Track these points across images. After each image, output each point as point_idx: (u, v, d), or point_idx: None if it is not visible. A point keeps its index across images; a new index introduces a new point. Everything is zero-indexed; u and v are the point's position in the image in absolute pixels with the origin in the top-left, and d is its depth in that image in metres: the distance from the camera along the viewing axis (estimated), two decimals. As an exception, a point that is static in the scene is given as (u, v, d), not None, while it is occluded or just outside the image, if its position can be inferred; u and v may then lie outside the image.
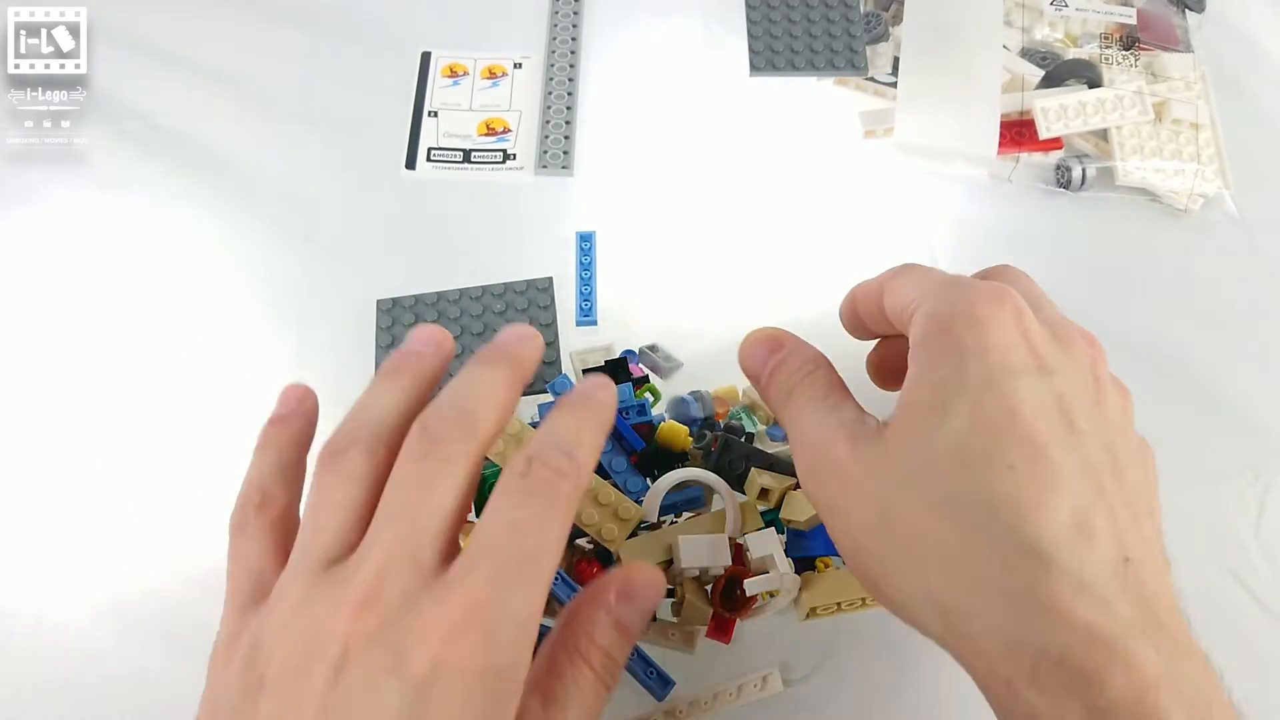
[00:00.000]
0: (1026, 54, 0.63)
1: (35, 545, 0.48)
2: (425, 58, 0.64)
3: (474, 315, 0.54)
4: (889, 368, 0.39)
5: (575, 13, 0.66)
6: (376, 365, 0.51)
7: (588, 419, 0.30)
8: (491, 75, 0.64)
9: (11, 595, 0.47)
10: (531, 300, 0.54)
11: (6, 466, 0.50)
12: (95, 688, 0.44)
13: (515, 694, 0.27)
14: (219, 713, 0.28)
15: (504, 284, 0.55)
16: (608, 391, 0.31)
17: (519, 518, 0.27)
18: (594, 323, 0.55)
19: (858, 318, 0.38)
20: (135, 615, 0.46)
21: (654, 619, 0.42)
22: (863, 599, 0.43)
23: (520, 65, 0.64)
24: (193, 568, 0.46)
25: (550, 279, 0.55)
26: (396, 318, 0.54)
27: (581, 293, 0.56)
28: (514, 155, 0.61)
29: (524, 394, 0.31)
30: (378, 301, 0.54)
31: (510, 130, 0.61)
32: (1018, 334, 0.30)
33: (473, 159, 0.61)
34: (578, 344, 0.53)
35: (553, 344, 0.53)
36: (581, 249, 0.57)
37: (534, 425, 0.46)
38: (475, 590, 0.26)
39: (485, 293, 0.55)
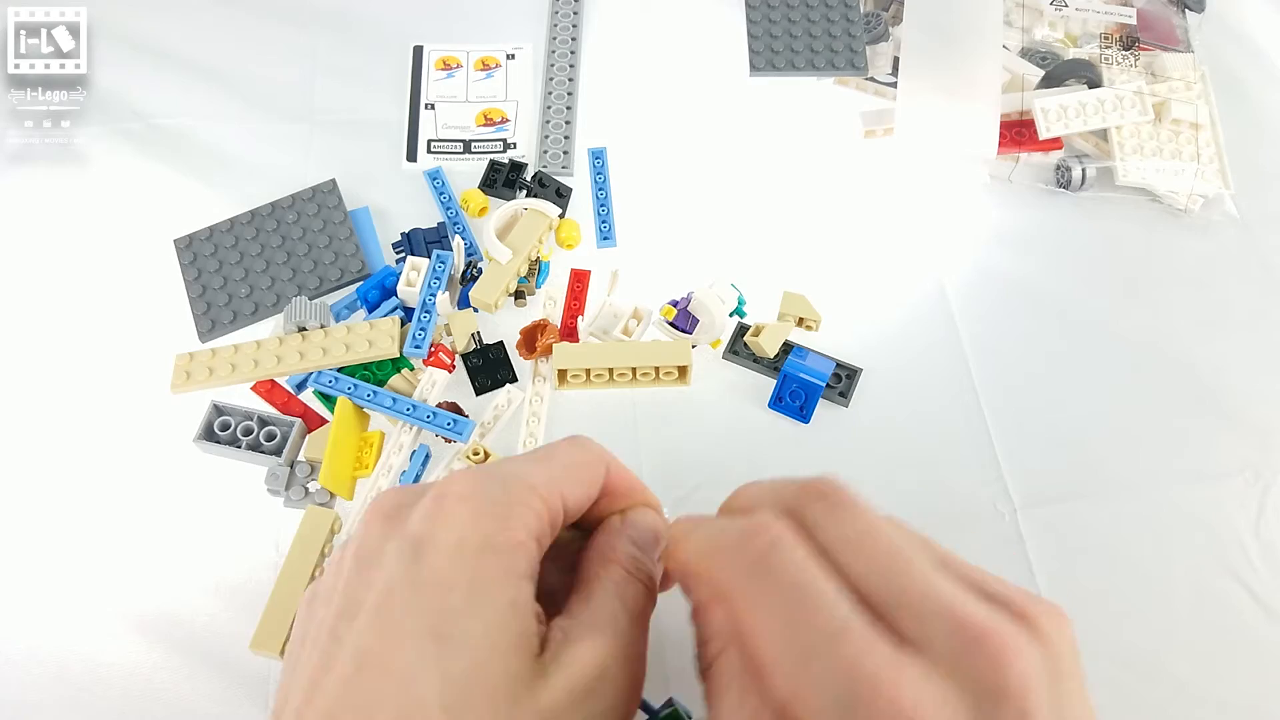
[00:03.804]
0: (1026, 54, 0.63)
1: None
2: (418, 52, 0.64)
3: (270, 230, 0.56)
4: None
5: (575, 13, 0.66)
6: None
7: None
8: (485, 67, 0.64)
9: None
10: (321, 204, 0.56)
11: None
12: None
13: None
14: None
15: (291, 195, 0.57)
16: None
17: None
18: (613, 244, 0.57)
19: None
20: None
21: None
22: (610, 370, 0.49)
23: (513, 56, 0.64)
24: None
25: (333, 181, 0.58)
26: (198, 252, 0.55)
27: (599, 214, 0.58)
28: (514, 144, 0.61)
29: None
30: (175, 240, 0.56)
31: (509, 120, 0.62)
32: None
33: (473, 149, 0.61)
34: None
35: (349, 238, 0.56)
36: (594, 167, 0.58)
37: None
38: None
39: (275, 209, 0.57)
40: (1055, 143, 0.60)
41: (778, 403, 0.52)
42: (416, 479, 0.48)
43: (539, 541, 0.29)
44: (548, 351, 0.52)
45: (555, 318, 0.54)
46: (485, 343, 0.52)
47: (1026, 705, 0.21)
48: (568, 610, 0.29)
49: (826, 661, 0.22)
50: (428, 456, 0.49)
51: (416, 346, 0.51)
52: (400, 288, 0.52)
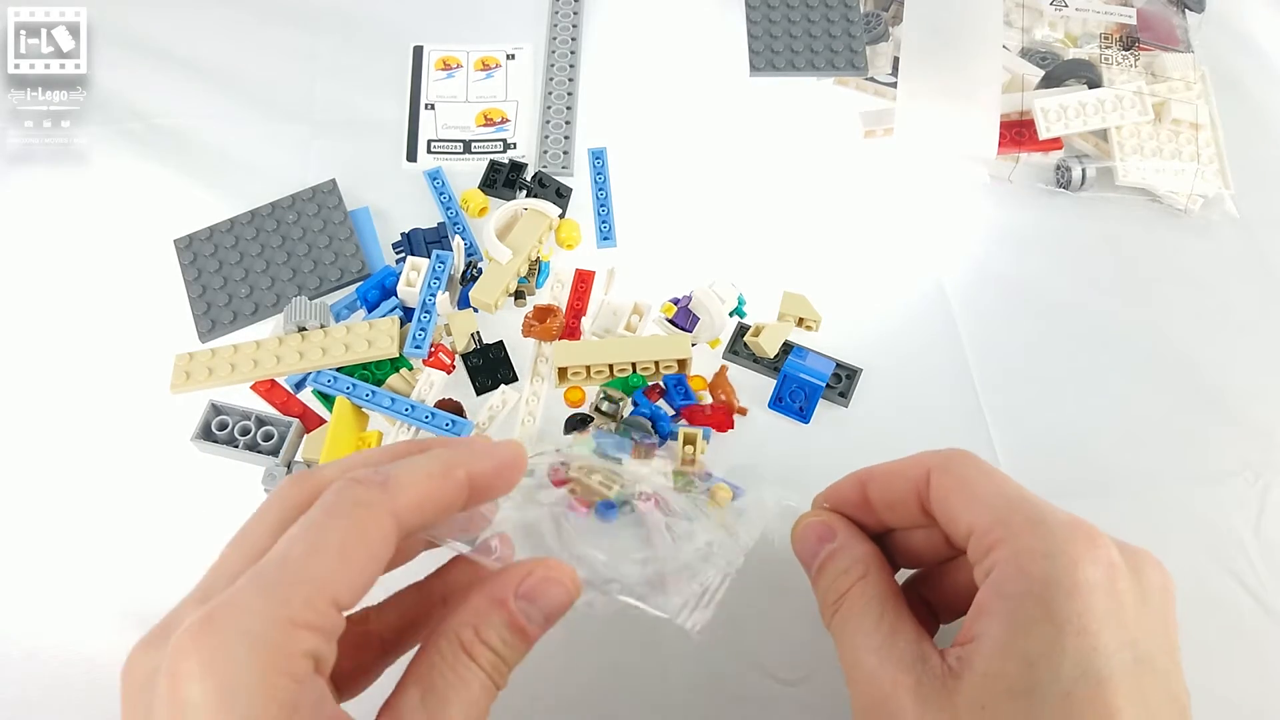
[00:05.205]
0: (1026, 54, 0.63)
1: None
2: (418, 52, 0.64)
3: (270, 230, 0.56)
4: (904, 549, 0.37)
5: (575, 13, 0.66)
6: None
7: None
8: (485, 67, 0.64)
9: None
10: (321, 204, 0.56)
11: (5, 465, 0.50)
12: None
13: None
14: None
15: (291, 195, 0.57)
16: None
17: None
18: (613, 244, 0.57)
19: (868, 505, 0.35)
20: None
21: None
22: (610, 366, 0.49)
23: (513, 56, 0.64)
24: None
25: (333, 181, 0.58)
26: (198, 252, 0.55)
27: (599, 214, 0.58)
28: (514, 145, 0.61)
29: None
30: (175, 240, 0.56)
31: (509, 120, 0.62)
32: (1113, 602, 0.29)
33: (473, 149, 0.61)
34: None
35: (349, 238, 0.56)
36: (594, 167, 0.59)
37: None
38: None
39: (275, 209, 0.57)
40: (1055, 143, 0.60)
41: (778, 403, 0.52)
42: None
43: (322, 663, 0.26)
44: (551, 335, 0.52)
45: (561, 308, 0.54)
46: (485, 343, 0.52)
47: (1165, 583, 0.32)
48: (396, 708, 0.27)
49: (1059, 516, 0.31)
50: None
51: (416, 347, 0.51)
52: (400, 288, 0.53)
